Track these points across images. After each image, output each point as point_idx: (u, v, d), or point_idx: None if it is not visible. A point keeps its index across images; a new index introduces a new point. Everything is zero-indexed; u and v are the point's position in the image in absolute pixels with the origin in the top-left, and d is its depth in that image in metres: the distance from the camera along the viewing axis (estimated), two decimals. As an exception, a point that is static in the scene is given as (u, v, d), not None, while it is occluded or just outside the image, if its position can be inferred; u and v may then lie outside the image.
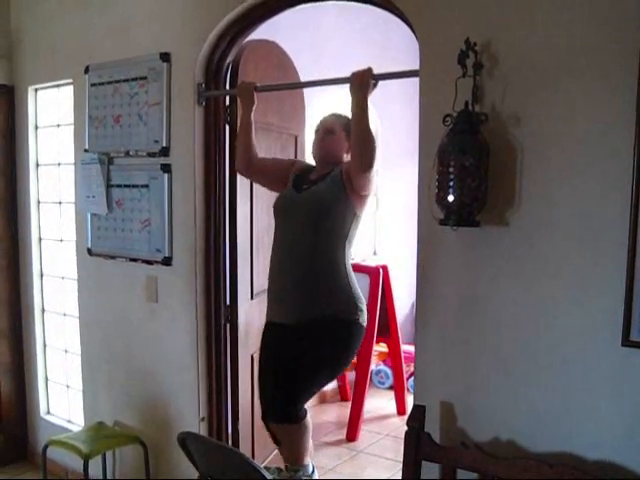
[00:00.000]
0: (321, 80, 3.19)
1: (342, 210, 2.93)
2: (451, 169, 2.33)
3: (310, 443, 2.93)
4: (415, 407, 2.59)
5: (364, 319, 2.99)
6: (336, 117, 3.16)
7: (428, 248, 2.61)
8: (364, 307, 3.00)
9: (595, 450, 2.26)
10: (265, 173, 3.26)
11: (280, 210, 3.09)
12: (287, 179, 3.20)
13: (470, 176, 2.30)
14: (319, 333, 2.90)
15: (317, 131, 3.16)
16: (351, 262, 3.04)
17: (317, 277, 2.92)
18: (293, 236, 2.99)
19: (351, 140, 2.84)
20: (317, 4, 3.13)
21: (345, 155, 3.09)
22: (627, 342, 2.16)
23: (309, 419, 2.86)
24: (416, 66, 2.63)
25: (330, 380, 3.08)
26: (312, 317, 2.91)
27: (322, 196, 2.94)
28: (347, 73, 2.80)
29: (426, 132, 2.56)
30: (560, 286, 2.30)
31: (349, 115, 2.88)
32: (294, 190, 3.07)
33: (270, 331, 3.12)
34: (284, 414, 2.79)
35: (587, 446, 2.27)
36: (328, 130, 3.10)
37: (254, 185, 3.55)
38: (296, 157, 4.02)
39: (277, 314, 3.05)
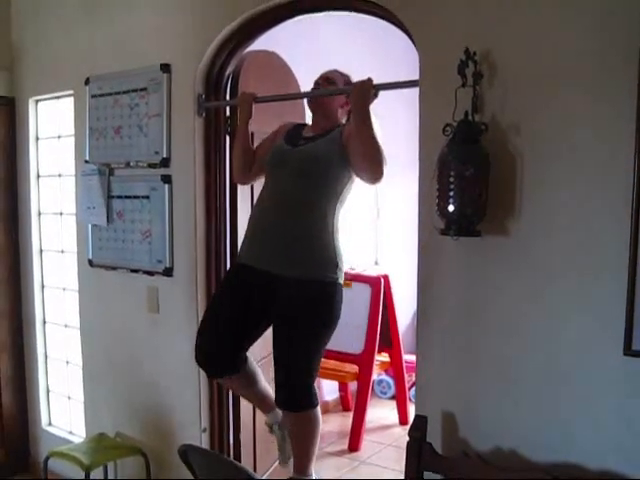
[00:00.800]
0: (321, 90, 3.18)
1: (338, 169, 2.82)
2: (451, 179, 2.33)
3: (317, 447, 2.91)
4: (417, 417, 2.58)
5: (342, 277, 2.87)
6: (338, 72, 3.12)
7: (429, 258, 2.61)
8: (343, 266, 2.87)
9: (597, 460, 2.25)
10: (262, 169, 3.10)
11: (272, 163, 2.96)
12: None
13: (470, 186, 2.30)
14: (302, 296, 2.79)
15: (316, 82, 3.09)
16: (339, 225, 2.90)
17: (303, 227, 2.81)
18: (283, 188, 2.87)
19: (356, 152, 2.75)
20: (316, 15, 3.14)
21: (340, 110, 3.03)
22: (629, 351, 2.16)
23: (318, 410, 2.84)
24: (416, 76, 2.63)
25: (325, 343, 2.93)
26: (292, 274, 2.79)
27: (319, 151, 2.85)
28: (350, 77, 2.81)
29: (426, 142, 2.57)
30: (561, 295, 2.30)
31: None
32: (288, 144, 2.95)
33: (240, 273, 2.96)
34: (304, 397, 2.76)
35: (589, 456, 2.27)
36: (328, 79, 3.05)
37: (255, 195, 3.54)
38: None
39: (255, 258, 2.89)
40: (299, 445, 2.87)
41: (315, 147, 2.89)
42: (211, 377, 3.30)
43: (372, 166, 2.72)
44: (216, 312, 2.99)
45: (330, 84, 3.05)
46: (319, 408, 2.86)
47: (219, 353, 2.94)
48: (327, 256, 2.83)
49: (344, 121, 3.06)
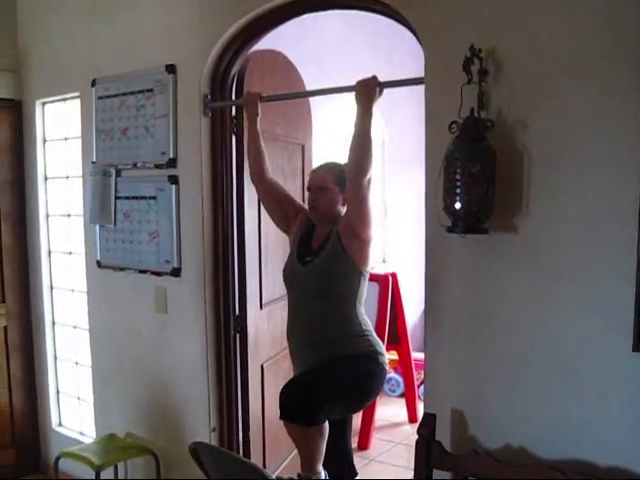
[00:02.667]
0: (327, 89, 3.19)
1: (347, 275, 2.90)
2: (458, 176, 2.32)
3: (323, 448, 2.91)
4: (426, 415, 2.58)
5: (385, 363, 2.95)
6: (327, 170, 3.04)
7: (436, 255, 2.61)
8: (385, 357, 2.96)
9: (607, 457, 2.25)
10: (273, 195, 3.18)
11: (287, 280, 3.09)
12: (289, 220, 3.16)
13: (477, 183, 2.30)
14: (340, 361, 2.88)
15: (309, 188, 3.05)
16: (366, 319, 3.00)
17: (333, 341, 2.90)
18: (302, 305, 2.99)
19: (350, 146, 2.76)
20: (321, 13, 3.14)
21: (341, 208, 3.01)
22: (638, 348, 2.15)
23: (326, 425, 2.84)
24: (421, 73, 2.63)
25: (347, 407, 3.01)
26: (330, 358, 2.89)
27: (326, 269, 2.91)
28: (352, 81, 2.80)
29: (432, 139, 2.56)
30: (570, 292, 2.30)
31: (340, 163, 2.91)
32: (298, 261, 3.02)
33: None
34: (303, 414, 2.76)
35: (599, 453, 2.26)
36: (319, 187, 2.99)
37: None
38: (303, 166, 4.02)
39: (298, 371, 3.04)
40: (303, 449, 2.87)
41: (320, 263, 2.93)
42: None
43: (357, 164, 2.74)
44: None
45: (322, 190, 2.99)
46: (324, 425, 2.83)
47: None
48: (362, 345, 2.91)
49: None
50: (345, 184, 2.88)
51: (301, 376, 2.94)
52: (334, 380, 2.85)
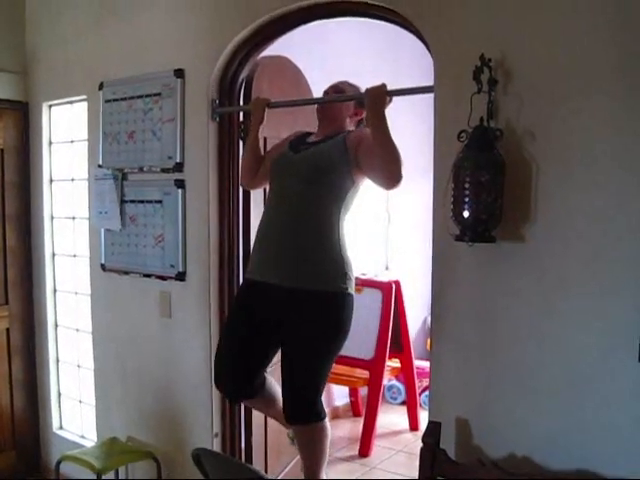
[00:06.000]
0: (335, 96, 3.19)
1: (341, 173, 2.81)
2: (466, 185, 2.33)
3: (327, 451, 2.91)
4: (430, 423, 2.57)
5: (352, 287, 2.84)
6: (347, 83, 3.10)
7: (443, 264, 2.61)
8: (352, 275, 2.86)
9: (613, 467, 2.24)
10: (267, 173, 3.11)
11: (275, 171, 2.98)
12: None
13: (486, 192, 2.30)
14: (309, 309, 2.78)
15: (325, 92, 3.09)
16: (345, 232, 2.89)
17: (309, 237, 2.80)
18: (287, 195, 2.88)
19: (374, 156, 2.72)
20: (330, 20, 3.15)
21: (348, 120, 3.03)
22: (645, 359, 2.15)
23: (329, 424, 2.84)
24: (428, 81, 2.64)
25: (333, 356, 2.95)
26: (301, 286, 2.78)
27: (321, 155, 2.85)
28: (360, 89, 2.81)
29: (441, 148, 2.57)
30: (577, 302, 2.29)
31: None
32: (291, 151, 2.97)
33: (251, 290, 2.96)
34: (310, 412, 2.76)
35: (605, 463, 2.25)
36: (337, 89, 3.04)
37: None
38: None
39: (263, 272, 2.89)
40: (308, 454, 2.87)
41: (316, 152, 2.89)
42: (230, 402, 3.36)
43: (391, 168, 2.70)
44: (229, 335, 3.02)
45: (338, 92, 3.05)
46: (327, 420, 2.86)
47: (235, 379, 2.94)
48: (334, 266, 2.82)
49: (352, 128, 3.05)
50: (358, 100, 2.94)
51: (292, 379, 2.85)
52: (315, 348, 2.80)
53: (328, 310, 2.81)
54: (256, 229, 3.00)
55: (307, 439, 2.85)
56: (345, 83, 3.09)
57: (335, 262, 2.82)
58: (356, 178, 2.86)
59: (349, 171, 2.83)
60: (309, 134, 3.12)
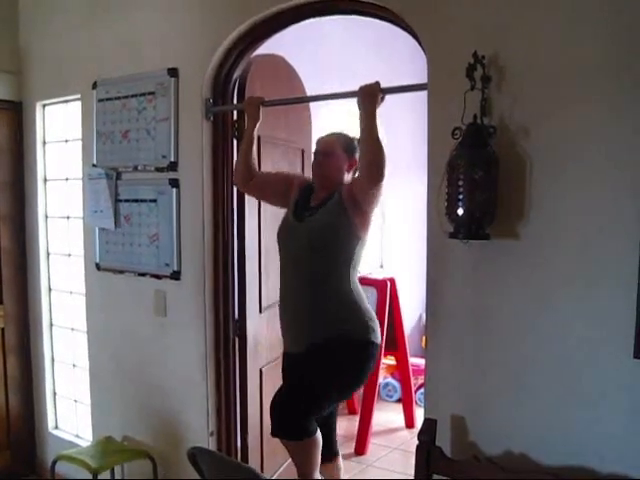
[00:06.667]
0: (329, 94, 3.20)
1: (345, 235, 2.88)
2: (460, 182, 2.33)
3: (319, 457, 2.91)
4: (426, 421, 2.58)
5: (377, 337, 2.94)
6: (335, 137, 3.07)
7: (438, 261, 2.61)
8: (377, 326, 2.95)
9: (608, 463, 2.25)
10: (264, 190, 3.21)
11: (283, 239, 3.06)
12: (287, 194, 3.15)
13: (479, 189, 2.31)
14: (331, 353, 2.86)
15: (315, 153, 3.06)
16: (358, 279, 2.99)
17: (324, 304, 2.88)
18: (297, 265, 2.96)
19: (361, 153, 2.79)
20: (322, 18, 3.15)
21: (346, 175, 3.02)
22: (638, 355, 2.16)
23: (319, 435, 2.84)
24: (422, 78, 2.64)
25: (341, 396, 3.02)
26: (322, 341, 2.87)
27: (324, 224, 2.89)
28: (353, 86, 2.81)
29: (435, 145, 2.57)
30: (571, 299, 2.30)
31: (347, 133, 2.91)
32: (295, 219, 3.01)
33: (285, 361, 3.11)
34: (294, 430, 2.77)
35: (600, 459, 2.26)
36: (327, 152, 3.01)
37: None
38: (303, 170, 4.02)
39: (289, 344, 3.04)
40: (300, 464, 2.87)
41: (319, 218, 2.93)
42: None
43: (372, 168, 2.74)
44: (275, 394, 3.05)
45: (328, 156, 3.01)
46: (316, 436, 2.85)
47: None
48: (355, 319, 2.90)
49: (349, 178, 3.04)
50: (351, 152, 2.96)
51: (290, 389, 2.92)
52: (324, 387, 2.85)
53: (353, 355, 2.90)
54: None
55: (299, 453, 2.86)
56: (334, 140, 3.06)
57: (356, 316, 2.91)
58: (361, 232, 2.91)
59: (353, 229, 2.89)
60: (312, 187, 3.11)
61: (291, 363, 3.04)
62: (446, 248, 2.53)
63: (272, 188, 3.21)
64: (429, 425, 2.54)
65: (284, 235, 3.06)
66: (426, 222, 2.62)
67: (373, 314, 2.99)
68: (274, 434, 2.79)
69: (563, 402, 2.34)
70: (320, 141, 3.11)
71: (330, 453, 3.20)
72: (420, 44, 2.65)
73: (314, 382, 2.84)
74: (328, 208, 2.91)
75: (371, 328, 2.92)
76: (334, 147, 3.02)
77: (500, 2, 2.41)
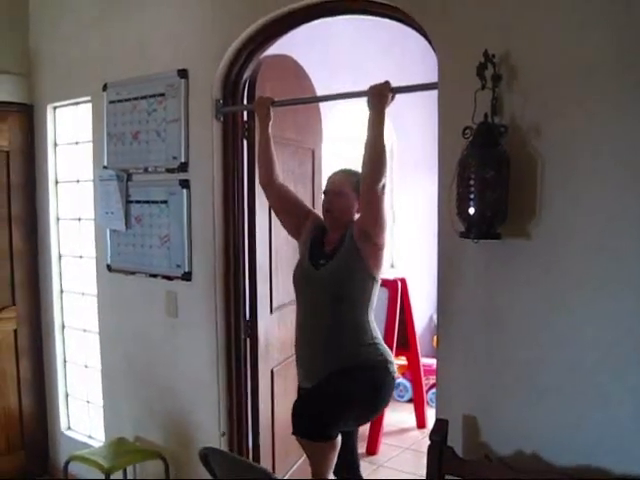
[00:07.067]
0: (339, 94, 3.19)
1: (361, 279, 2.90)
2: (471, 182, 2.32)
3: (335, 459, 2.90)
4: (438, 421, 2.57)
5: (395, 371, 2.95)
6: (345, 175, 3.05)
7: (449, 261, 2.60)
8: (394, 364, 2.97)
9: (621, 464, 2.23)
10: (283, 202, 3.18)
11: (299, 285, 3.08)
12: (299, 226, 3.15)
13: (491, 188, 2.29)
14: (350, 373, 2.87)
15: (326, 192, 3.05)
16: (374, 324, 3.00)
17: (342, 344, 2.90)
18: (315, 309, 2.98)
19: (364, 152, 2.77)
20: (332, 18, 3.14)
21: (355, 214, 3.00)
22: (651, 354, 2.15)
23: (339, 439, 2.83)
24: (433, 78, 2.63)
25: (358, 418, 3.01)
26: (340, 368, 2.88)
27: (340, 273, 2.90)
28: (363, 86, 2.80)
29: (445, 145, 2.56)
30: (583, 298, 2.29)
31: (358, 171, 2.89)
32: (311, 264, 3.01)
33: (300, 394, 3.09)
34: (316, 430, 2.75)
35: (612, 460, 2.25)
36: (337, 192, 3.00)
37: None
38: (314, 170, 4.03)
39: (305, 380, 3.02)
40: (316, 462, 2.86)
41: (334, 266, 2.92)
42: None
43: (372, 167, 2.75)
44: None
45: (338, 196, 3.00)
46: (337, 440, 2.81)
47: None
48: (372, 355, 2.92)
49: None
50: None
51: (312, 391, 2.93)
52: (345, 395, 2.84)
53: (370, 377, 2.90)
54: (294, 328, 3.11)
55: (316, 454, 2.84)
56: (343, 179, 3.04)
57: (374, 353, 2.92)
58: (374, 271, 2.93)
59: (367, 270, 2.90)
60: (324, 232, 3.09)
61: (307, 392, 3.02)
62: (457, 248, 2.53)
63: (289, 208, 3.19)
64: (441, 425, 2.53)
65: (300, 281, 3.07)
66: (437, 222, 2.61)
67: (390, 352, 3.01)
68: (295, 433, 2.78)
69: (576, 402, 2.32)
70: (330, 180, 3.10)
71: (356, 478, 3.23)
72: (430, 43, 2.64)
73: (335, 389, 2.84)
74: (342, 253, 2.92)
75: (389, 362, 2.94)
76: (344, 186, 3.01)
77: (510, 1, 2.40)
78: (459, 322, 2.59)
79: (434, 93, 2.63)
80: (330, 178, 3.11)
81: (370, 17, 2.97)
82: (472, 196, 2.32)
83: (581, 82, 2.26)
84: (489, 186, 2.29)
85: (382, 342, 3.00)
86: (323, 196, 3.07)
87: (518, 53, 2.36)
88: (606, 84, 2.21)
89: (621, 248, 2.21)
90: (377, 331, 3.00)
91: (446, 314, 2.65)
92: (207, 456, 2.64)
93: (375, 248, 2.89)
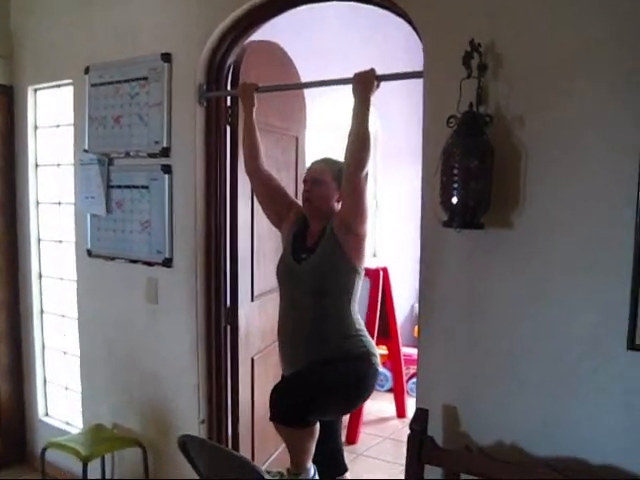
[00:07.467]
0: (323, 80, 3.16)
1: (343, 272, 2.88)
2: (455, 171, 2.31)
3: (313, 447, 2.89)
4: (418, 410, 2.57)
5: (378, 363, 2.93)
6: (325, 164, 3.02)
7: (431, 250, 2.60)
8: (378, 356, 2.95)
9: (600, 455, 2.25)
10: (267, 189, 3.15)
11: (281, 278, 3.06)
12: (282, 215, 3.13)
13: (474, 178, 2.28)
14: (332, 363, 2.85)
15: (305, 181, 3.02)
16: (358, 315, 2.99)
17: (325, 337, 2.89)
18: (297, 302, 2.96)
19: (348, 139, 2.74)
20: (317, 5, 3.12)
21: (336, 204, 2.97)
22: (633, 346, 2.15)
23: (317, 426, 2.82)
24: (416, 65, 2.62)
25: (338, 408, 3.00)
26: (322, 358, 2.87)
27: (322, 266, 2.89)
28: (347, 73, 2.78)
29: (430, 133, 2.55)
30: (565, 289, 2.29)
31: (340, 160, 2.87)
32: (293, 259, 2.99)
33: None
34: (294, 416, 2.74)
35: (592, 451, 2.26)
36: (316, 181, 2.97)
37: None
38: (297, 158, 4.01)
39: (288, 370, 3.02)
40: (294, 448, 2.85)
41: (316, 260, 2.90)
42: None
43: (355, 156, 2.73)
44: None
45: (318, 184, 2.97)
46: (315, 427, 2.81)
47: None
48: (356, 347, 2.90)
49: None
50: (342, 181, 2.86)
51: (292, 378, 2.92)
52: (326, 383, 2.83)
53: (353, 367, 2.88)
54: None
55: (293, 440, 2.83)
56: (323, 165, 3.02)
57: (357, 346, 2.90)
58: (357, 263, 2.90)
59: (350, 263, 2.88)
60: (306, 224, 3.06)
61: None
62: (440, 237, 2.52)
63: (273, 195, 3.16)
64: (421, 415, 2.53)
65: (283, 276, 3.05)
66: (420, 210, 2.60)
67: (373, 344, 2.99)
68: (273, 419, 2.77)
69: (556, 393, 2.33)
70: (310, 168, 3.07)
71: (341, 470, 3.23)
72: (416, 31, 2.63)
73: (316, 376, 2.83)
74: (323, 247, 2.89)
75: (372, 354, 2.92)
76: (324, 175, 2.97)
77: (497, -11, 2.39)
78: (440, 311, 2.59)
79: (418, 81, 2.62)
80: (310, 167, 3.08)
81: (355, 3, 2.95)
82: (456, 185, 2.31)
83: (567, 72, 2.25)
84: (473, 176, 2.28)
85: (366, 333, 2.98)
86: (303, 184, 3.05)
87: (504, 42, 2.36)
88: (593, 74, 2.21)
89: (606, 238, 2.21)
90: (361, 322, 2.98)
91: (428, 303, 2.64)
92: (186, 444, 2.62)
93: (357, 239, 2.86)
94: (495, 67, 2.36)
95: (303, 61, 4.00)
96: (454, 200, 2.32)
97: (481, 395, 2.51)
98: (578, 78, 2.23)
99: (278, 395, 2.78)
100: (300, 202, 3.12)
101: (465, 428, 2.55)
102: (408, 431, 2.53)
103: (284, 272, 3.05)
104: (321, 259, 2.90)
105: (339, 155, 2.92)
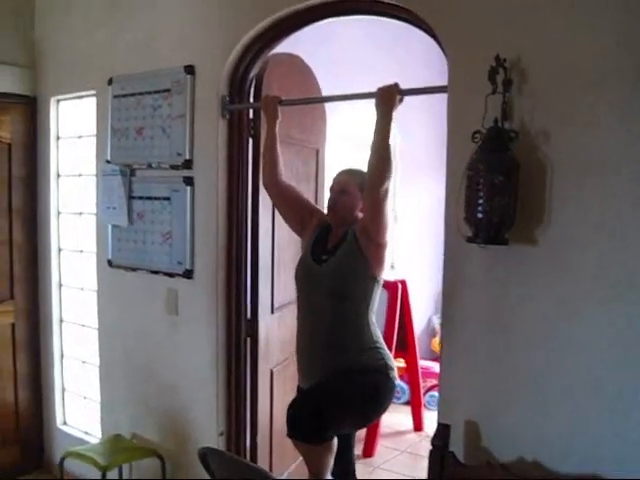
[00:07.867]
0: (346, 95, 3.17)
1: (362, 277, 2.88)
2: (480, 186, 2.31)
3: (332, 461, 2.88)
4: (440, 426, 2.56)
5: (395, 376, 2.92)
6: (350, 175, 3.04)
7: (455, 265, 2.59)
8: (395, 369, 2.93)
9: (624, 473, 2.21)
10: (287, 201, 3.16)
11: (300, 279, 3.05)
12: (304, 224, 3.14)
13: (499, 194, 2.28)
14: (349, 376, 2.84)
15: (331, 189, 3.05)
16: (375, 326, 2.97)
17: (343, 347, 2.88)
18: (316, 306, 2.95)
19: (370, 153, 2.74)
20: (339, 19, 3.13)
21: (360, 213, 2.98)
22: (659, 364, 2.14)
23: (335, 441, 2.81)
24: (436, 78, 2.62)
25: (355, 421, 2.98)
26: (340, 370, 2.85)
27: (342, 269, 2.89)
28: (368, 87, 2.79)
29: (454, 148, 2.55)
30: (590, 306, 2.28)
31: (363, 170, 2.87)
32: (313, 260, 2.99)
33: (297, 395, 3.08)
34: (312, 433, 2.73)
35: (616, 469, 2.23)
36: (342, 190, 2.99)
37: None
38: (317, 170, 4.01)
39: (304, 379, 3.01)
40: (312, 464, 2.83)
41: (336, 262, 2.90)
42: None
43: (374, 171, 2.74)
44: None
45: (343, 194, 2.98)
46: (332, 442, 2.79)
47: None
48: (373, 359, 2.88)
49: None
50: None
51: (309, 392, 2.91)
52: (344, 397, 2.81)
53: (370, 380, 2.87)
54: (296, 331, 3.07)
55: (311, 456, 2.81)
56: (349, 177, 3.02)
57: (374, 357, 2.89)
58: (376, 271, 2.90)
59: (369, 270, 2.87)
60: (330, 226, 3.07)
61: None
62: (463, 252, 2.51)
63: (292, 206, 3.17)
64: (443, 430, 2.52)
65: (302, 277, 3.04)
66: (444, 226, 2.60)
67: (391, 357, 2.98)
68: (290, 435, 2.76)
69: (580, 410, 2.31)
70: (336, 178, 3.08)
71: None
72: (441, 46, 2.63)
73: (333, 391, 2.82)
74: (345, 250, 2.89)
75: (390, 367, 2.90)
76: (349, 185, 2.99)
77: (522, 5, 2.39)
78: (463, 327, 2.58)
79: (439, 95, 2.62)
80: (336, 177, 3.09)
81: (378, 18, 2.96)
82: (480, 201, 2.31)
83: (592, 88, 2.24)
84: (498, 191, 2.28)
85: (384, 346, 2.97)
86: (329, 193, 3.06)
87: (528, 57, 2.35)
88: (618, 90, 2.20)
89: (632, 255, 2.19)
90: (379, 334, 2.97)
91: (450, 319, 2.63)
92: (206, 455, 2.63)
93: (378, 247, 2.86)
94: (520, 82, 2.36)
95: (324, 72, 4.01)
96: (479, 216, 2.32)
97: (503, 411, 2.50)
98: (603, 93, 2.22)
99: (295, 412, 2.76)
100: (322, 209, 3.13)
101: (486, 444, 2.53)
102: (425, 444, 2.52)
103: (303, 274, 3.04)
104: (341, 261, 2.89)
105: (361, 166, 2.93)
